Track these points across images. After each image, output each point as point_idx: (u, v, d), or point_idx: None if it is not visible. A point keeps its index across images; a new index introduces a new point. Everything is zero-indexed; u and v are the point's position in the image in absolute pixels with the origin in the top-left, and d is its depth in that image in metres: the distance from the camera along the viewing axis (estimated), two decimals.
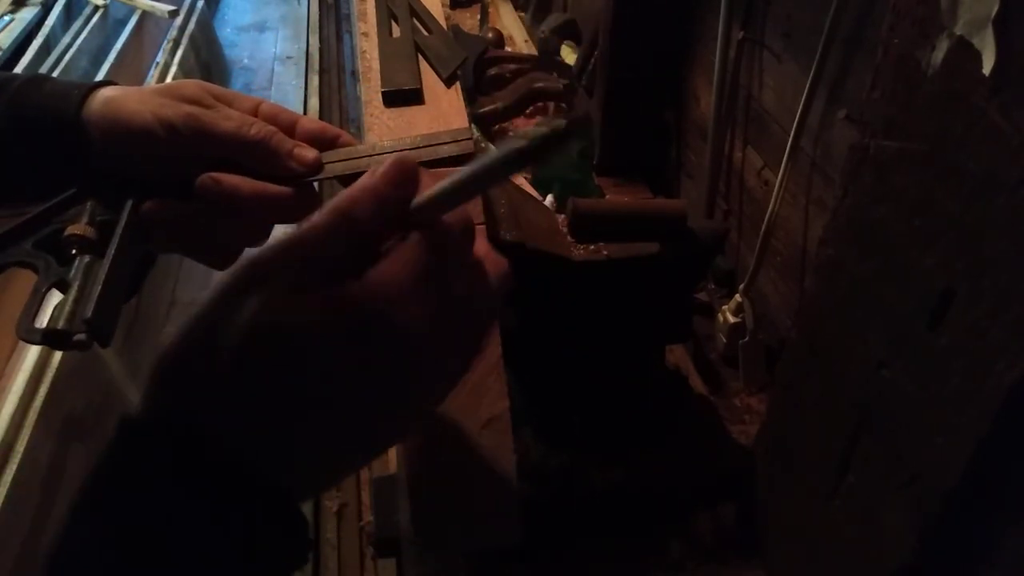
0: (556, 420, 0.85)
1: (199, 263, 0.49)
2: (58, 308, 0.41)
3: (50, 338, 0.41)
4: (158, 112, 0.43)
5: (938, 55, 0.49)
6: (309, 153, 0.46)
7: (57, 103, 0.43)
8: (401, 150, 0.51)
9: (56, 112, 0.43)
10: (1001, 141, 0.45)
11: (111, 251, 0.43)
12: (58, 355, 1.26)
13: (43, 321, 0.41)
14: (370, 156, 0.49)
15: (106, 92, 0.44)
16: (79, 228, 0.43)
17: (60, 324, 0.40)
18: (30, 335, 0.41)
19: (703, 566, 0.82)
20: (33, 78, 0.45)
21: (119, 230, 0.44)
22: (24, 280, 1.26)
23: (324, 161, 0.47)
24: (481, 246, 0.34)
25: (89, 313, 0.40)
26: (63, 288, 0.42)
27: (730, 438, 0.89)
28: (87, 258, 0.43)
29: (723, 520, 0.84)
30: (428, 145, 0.52)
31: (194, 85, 0.45)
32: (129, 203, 0.45)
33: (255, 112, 0.46)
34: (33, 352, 1.23)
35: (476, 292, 0.32)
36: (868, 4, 0.72)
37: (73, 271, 0.43)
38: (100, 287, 0.41)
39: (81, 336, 0.40)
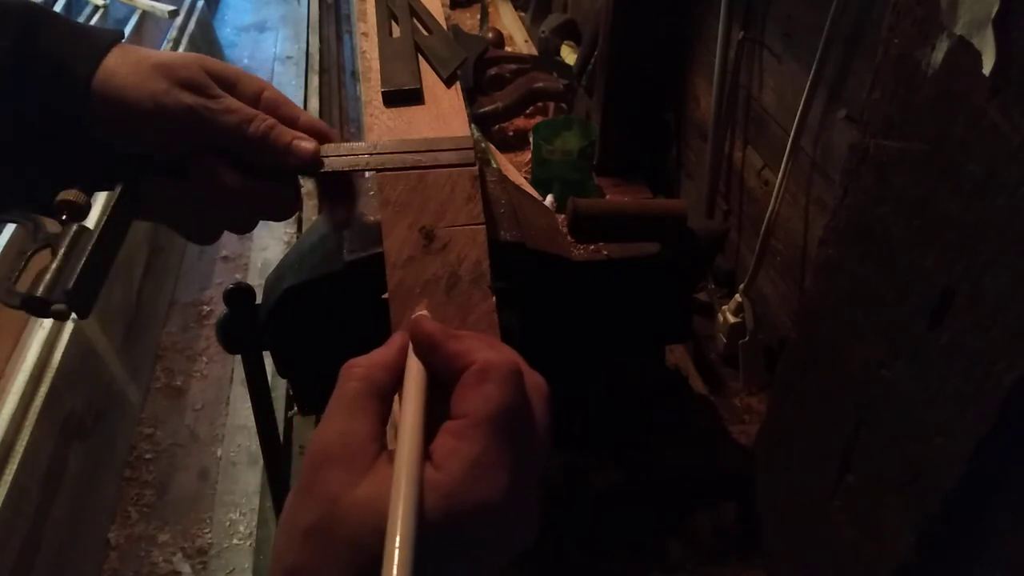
0: (556, 420, 0.84)
1: (182, 237, 0.49)
2: (40, 275, 0.41)
3: (29, 303, 0.40)
4: (159, 100, 0.42)
5: (938, 55, 0.49)
6: (308, 145, 0.46)
7: (64, 68, 0.41)
8: (401, 152, 0.51)
9: (61, 77, 0.41)
10: (1001, 141, 0.45)
11: (100, 224, 0.43)
12: (59, 354, 1.26)
13: (27, 286, 0.41)
14: (370, 154, 0.49)
15: (107, 64, 0.42)
16: (71, 194, 0.43)
17: (40, 291, 0.40)
18: (9, 297, 0.40)
19: (703, 566, 0.82)
20: (37, 15, 0.41)
21: (111, 204, 0.44)
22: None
23: (323, 155, 0.47)
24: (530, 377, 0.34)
25: (71, 284, 0.40)
26: (52, 249, 0.42)
27: (730, 438, 0.89)
28: (76, 226, 0.43)
29: (723, 520, 0.84)
30: (428, 150, 0.51)
31: (195, 67, 0.43)
32: (123, 181, 0.44)
33: (258, 99, 0.45)
34: (34, 351, 1.23)
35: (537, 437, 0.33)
36: (868, 4, 0.72)
37: (60, 237, 0.43)
38: (85, 259, 0.41)
39: (60, 306, 0.40)
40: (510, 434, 0.30)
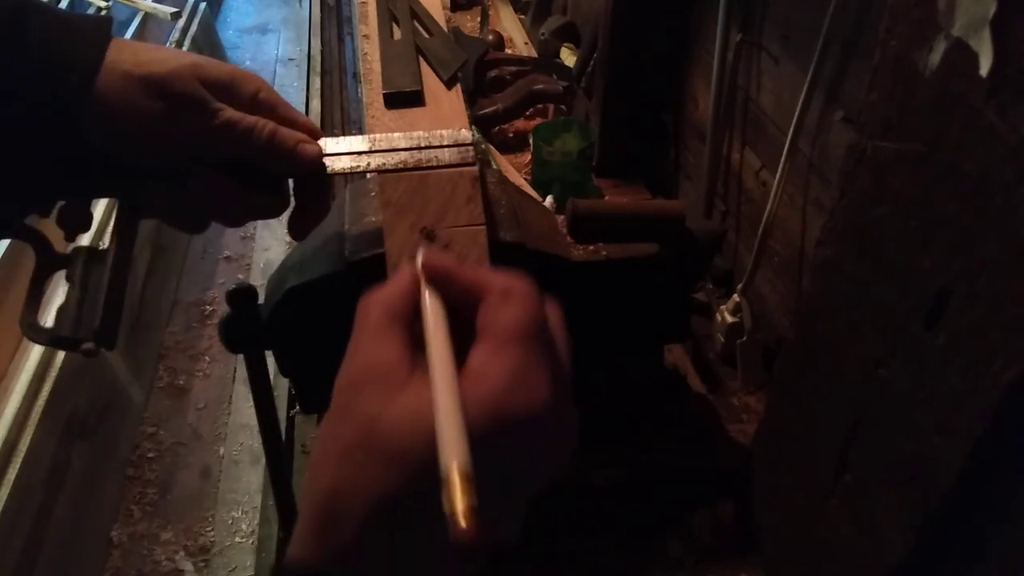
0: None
1: (177, 230, 0.48)
2: (63, 310, 0.41)
3: (57, 342, 0.41)
4: (155, 123, 0.41)
5: (935, 56, 0.49)
6: (313, 147, 0.46)
7: (58, 73, 0.39)
8: (400, 148, 0.51)
9: (56, 81, 0.39)
10: (998, 142, 0.45)
11: (112, 251, 0.43)
12: (61, 353, 1.27)
13: (46, 313, 0.41)
14: (370, 152, 0.50)
15: (99, 81, 0.40)
16: (71, 207, 0.43)
17: (66, 331, 0.40)
18: (35, 334, 0.41)
19: (701, 563, 0.82)
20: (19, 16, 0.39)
21: (118, 226, 0.44)
22: (25, 269, 1.27)
23: (325, 154, 0.48)
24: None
25: (97, 323, 0.40)
26: (66, 273, 0.42)
27: (728, 437, 0.89)
28: (86, 249, 0.43)
29: (721, 518, 0.85)
30: (428, 147, 0.52)
31: (190, 79, 0.42)
32: (123, 193, 0.44)
33: (255, 100, 0.45)
34: (36, 351, 1.23)
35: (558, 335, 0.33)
36: (866, 6, 0.73)
37: (72, 260, 0.43)
38: (104, 295, 0.41)
39: (89, 345, 0.40)
40: (543, 345, 0.31)
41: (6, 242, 1.25)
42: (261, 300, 0.65)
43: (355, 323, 0.33)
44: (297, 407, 1.07)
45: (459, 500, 0.25)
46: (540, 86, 1.40)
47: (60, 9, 0.44)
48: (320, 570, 0.29)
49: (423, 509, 0.27)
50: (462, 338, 0.32)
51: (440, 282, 0.34)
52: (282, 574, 0.30)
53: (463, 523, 0.24)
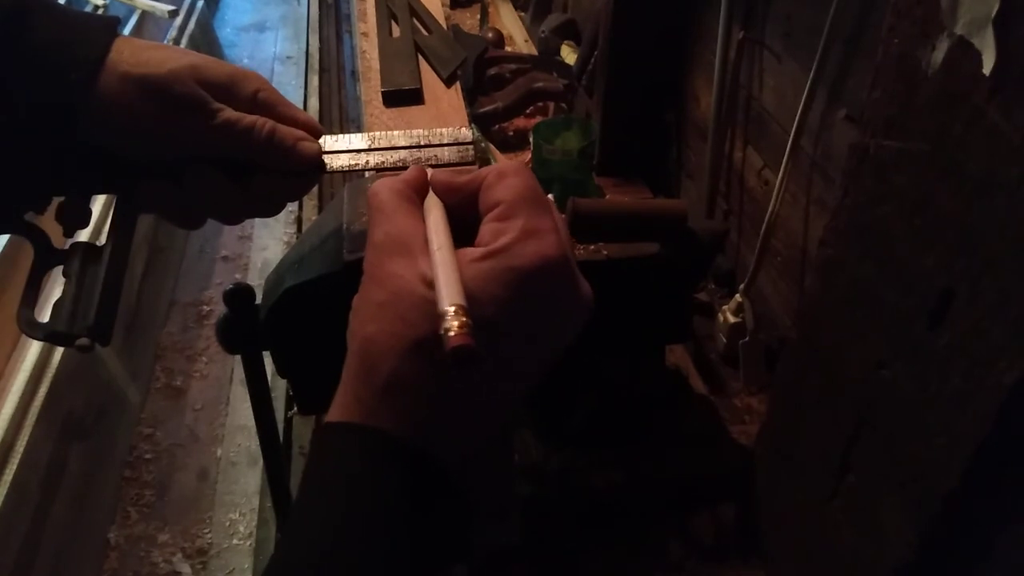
0: (556, 420, 0.85)
1: (173, 225, 0.49)
2: (59, 305, 0.41)
3: (52, 337, 0.41)
4: (156, 121, 0.41)
5: (938, 55, 0.49)
6: (313, 145, 0.46)
7: (58, 71, 0.39)
8: (400, 147, 0.51)
9: (56, 80, 0.39)
10: (1001, 141, 0.45)
11: (108, 248, 0.43)
12: (58, 354, 1.26)
13: (43, 308, 0.41)
14: (369, 151, 0.49)
15: (101, 82, 0.40)
16: (70, 202, 0.43)
17: (62, 326, 0.41)
18: (31, 329, 0.41)
19: (702, 566, 0.82)
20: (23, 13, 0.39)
21: (114, 223, 0.44)
22: (21, 268, 1.27)
23: (325, 152, 0.47)
24: None
25: (92, 319, 0.41)
26: (63, 269, 0.42)
27: (730, 438, 0.89)
28: (84, 245, 0.43)
29: (723, 520, 0.84)
30: (428, 145, 0.51)
31: (189, 81, 0.42)
32: (119, 188, 0.44)
33: (255, 99, 0.45)
34: (33, 351, 1.23)
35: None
36: (868, 4, 0.72)
37: (70, 256, 0.43)
38: (100, 291, 0.41)
39: (84, 341, 0.41)
40: (544, 207, 0.34)
41: (2, 241, 1.25)
42: (258, 300, 0.65)
43: (369, 207, 0.36)
44: (295, 408, 1.07)
45: (452, 320, 0.28)
46: (540, 84, 1.39)
47: (68, 8, 0.43)
48: (354, 423, 0.32)
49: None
50: (462, 239, 0.34)
51: (441, 189, 0.37)
52: (323, 431, 0.33)
53: (454, 334, 0.28)
